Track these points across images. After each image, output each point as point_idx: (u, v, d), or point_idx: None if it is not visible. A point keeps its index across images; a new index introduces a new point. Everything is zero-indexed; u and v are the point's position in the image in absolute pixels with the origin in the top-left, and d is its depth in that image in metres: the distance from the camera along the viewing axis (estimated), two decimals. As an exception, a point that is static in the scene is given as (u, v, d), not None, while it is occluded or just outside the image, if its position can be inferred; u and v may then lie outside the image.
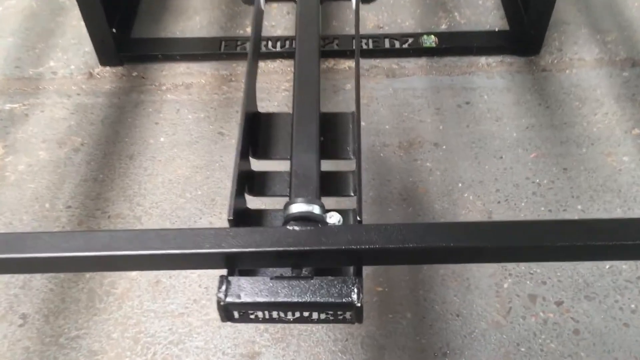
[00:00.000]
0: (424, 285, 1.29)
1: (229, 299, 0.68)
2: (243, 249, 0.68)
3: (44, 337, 1.22)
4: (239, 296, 0.68)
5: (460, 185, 1.45)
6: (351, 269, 0.76)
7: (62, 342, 1.21)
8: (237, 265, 0.71)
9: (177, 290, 1.28)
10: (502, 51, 1.71)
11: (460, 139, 1.53)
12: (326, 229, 0.70)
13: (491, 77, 1.67)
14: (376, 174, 1.48)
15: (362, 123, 1.57)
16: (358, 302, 0.68)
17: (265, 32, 1.79)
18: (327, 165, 0.89)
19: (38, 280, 1.29)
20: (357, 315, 0.68)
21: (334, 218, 0.72)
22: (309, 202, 0.72)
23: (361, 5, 1.84)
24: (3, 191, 1.45)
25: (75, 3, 1.58)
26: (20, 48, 1.77)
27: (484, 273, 1.30)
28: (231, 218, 0.73)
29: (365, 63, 1.70)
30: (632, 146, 1.51)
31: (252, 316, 0.70)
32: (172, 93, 1.65)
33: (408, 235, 0.69)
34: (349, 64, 1.72)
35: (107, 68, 1.71)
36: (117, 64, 1.71)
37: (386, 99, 1.63)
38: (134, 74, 1.70)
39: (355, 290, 0.68)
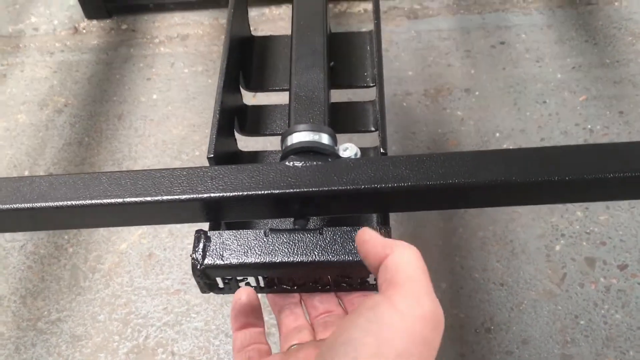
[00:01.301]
0: (460, 250, 1.10)
1: (207, 261, 0.49)
2: (225, 194, 0.50)
3: (20, 321, 1.05)
4: (221, 257, 0.49)
5: (497, 135, 1.24)
6: (375, 216, 0.57)
7: (40, 326, 1.04)
8: (220, 216, 0.53)
9: (172, 263, 1.10)
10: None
11: (496, 84, 1.33)
12: (339, 163, 0.51)
13: (528, 13, 1.45)
14: (399, 127, 1.28)
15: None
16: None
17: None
18: (341, 96, 0.70)
19: (14, 257, 1.13)
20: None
21: (349, 151, 0.53)
22: (315, 129, 0.53)
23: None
24: (-22, 159, 1.28)
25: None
26: (-1, 4, 1.60)
27: (530, 234, 1.10)
28: (211, 156, 0.55)
29: (383, 4, 1.49)
30: (699, 84, 1.28)
31: (242, 284, 0.52)
32: (166, 46, 1.47)
33: (453, 168, 0.50)
34: (364, 5, 1.51)
35: (94, 22, 1.52)
36: (104, 17, 1.52)
37: (408, 43, 1.42)
38: (124, 26, 1.51)
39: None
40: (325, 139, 0.53)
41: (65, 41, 1.49)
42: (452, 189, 0.50)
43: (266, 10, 1.51)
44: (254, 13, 1.50)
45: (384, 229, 0.50)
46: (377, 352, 0.36)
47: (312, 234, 0.49)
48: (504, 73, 1.34)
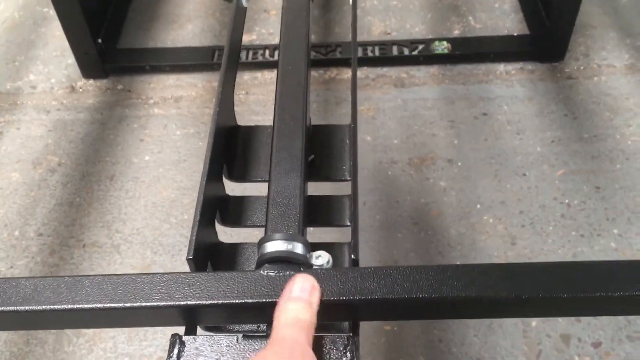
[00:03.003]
0: (439, 323, 1.12)
1: (181, 368, 0.52)
2: (202, 302, 0.53)
3: (2, 386, 1.06)
4: (195, 364, 0.52)
5: (478, 206, 1.28)
6: (346, 323, 0.60)
7: (22, 392, 1.05)
8: (197, 321, 0.55)
9: (155, 329, 1.12)
10: (522, 57, 1.54)
11: (478, 155, 1.37)
12: (310, 274, 0.54)
13: (511, 85, 1.51)
14: (384, 195, 1.32)
15: (367, 138, 1.41)
16: (352, 370, 0.52)
17: (263, 40, 1.65)
18: (320, 189, 0.73)
19: (0, 319, 1.14)
20: (352, 387, 0.52)
21: (321, 259, 0.56)
22: (289, 238, 0.56)
23: (366, 11, 1.70)
24: (-30, 217, 1.31)
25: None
26: None
27: (508, 309, 1.12)
28: (190, 257, 0.58)
29: (370, 72, 1.55)
30: (673, 161, 1.33)
31: (214, 389, 0.54)
32: (160, 107, 1.51)
33: (417, 283, 0.53)
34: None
35: (91, 81, 1.57)
36: (101, 77, 1.57)
37: (394, 111, 1.47)
38: (119, 87, 1.56)
39: (349, 355, 0.52)
40: (298, 248, 0.56)
41: (61, 99, 1.54)
42: (416, 303, 0.53)
43: (258, 74, 1.57)
44: (246, 77, 1.55)
45: (351, 338, 0.53)
46: None
47: (282, 343, 0.52)
48: (486, 144, 1.39)
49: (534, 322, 1.11)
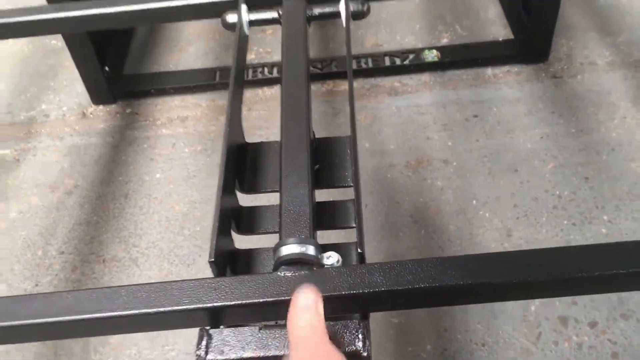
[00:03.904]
0: (445, 314, 1.19)
1: (210, 357, 0.59)
2: (228, 302, 0.60)
3: (38, 397, 1.14)
4: (222, 352, 0.59)
5: (474, 202, 1.35)
6: (357, 315, 0.67)
7: (57, 401, 1.13)
8: (222, 321, 0.63)
9: (176, 334, 1.19)
10: (508, 61, 1.63)
11: (471, 155, 1.45)
12: (322, 272, 0.61)
13: (499, 88, 1.58)
14: (384, 197, 1.39)
15: (366, 144, 1.49)
16: (364, 350, 0.59)
17: (261, 59, 1.73)
18: (326, 195, 0.81)
19: (31, 335, 1.22)
20: (365, 366, 0.59)
21: (331, 259, 0.64)
22: (302, 242, 0.63)
23: (358, 25, 1.78)
24: (-5, 242, 1.39)
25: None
26: (12, 93, 1.73)
27: (507, 298, 1.20)
28: (212, 260, 0.65)
29: (365, 83, 1.63)
30: (656, 150, 1.41)
31: (241, 377, 0.62)
32: (167, 127, 1.59)
33: (419, 274, 0.60)
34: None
35: (100, 107, 1.65)
36: (110, 102, 1.65)
37: (390, 118, 1.55)
38: (128, 110, 1.64)
39: (360, 337, 0.59)
40: (311, 250, 0.63)
41: (74, 126, 1.62)
42: (422, 293, 0.60)
43: (259, 91, 1.65)
44: (248, 94, 1.63)
45: (363, 323, 0.60)
46: None
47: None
48: (478, 144, 1.46)
49: (533, 306, 1.18)
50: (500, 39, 1.70)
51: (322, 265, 0.63)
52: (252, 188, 0.82)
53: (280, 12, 0.94)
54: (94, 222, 1.41)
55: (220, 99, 1.64)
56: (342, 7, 0.92)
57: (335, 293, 0.60)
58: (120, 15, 1.07)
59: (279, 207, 0.70)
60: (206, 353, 0.59)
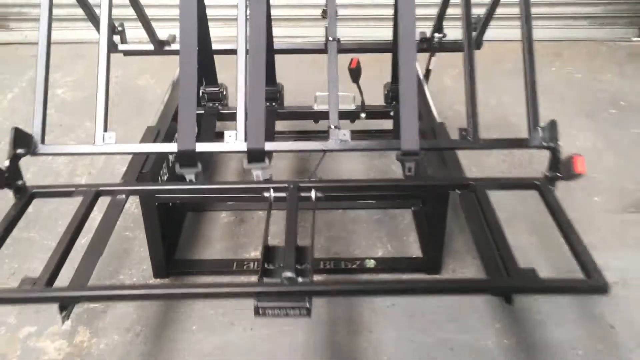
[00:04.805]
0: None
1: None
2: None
3: None
4: None
5: (388, 358, 2.24)
6: None
7: None
8: None
9: None
10: (416, 270, 2.63)
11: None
12: None
13: (410, 287, 2.56)
14: None
15: (326, 317, 2.40)
16: None
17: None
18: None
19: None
20: None
21: None
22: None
23: (324, 236, 2.81)
24: (89, 362, 2.21)
25: (136, 236, 2.52)
26: (100, 265, 2.65)
27: None
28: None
29: (328, 278, 2.60)
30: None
31: None
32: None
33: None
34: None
35: (158, 280, 2.58)
36: (165, 277, 2.58)
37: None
38: (176, 283, 2.57)
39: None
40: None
41: (141, 290, 2.52)
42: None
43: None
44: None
45: None
46: None
47: None
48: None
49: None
50: (414, 256, 2.72)
51: None
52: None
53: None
54: (154, 353, 2.25)
55: (233, 281, 2.57)
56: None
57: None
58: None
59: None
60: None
